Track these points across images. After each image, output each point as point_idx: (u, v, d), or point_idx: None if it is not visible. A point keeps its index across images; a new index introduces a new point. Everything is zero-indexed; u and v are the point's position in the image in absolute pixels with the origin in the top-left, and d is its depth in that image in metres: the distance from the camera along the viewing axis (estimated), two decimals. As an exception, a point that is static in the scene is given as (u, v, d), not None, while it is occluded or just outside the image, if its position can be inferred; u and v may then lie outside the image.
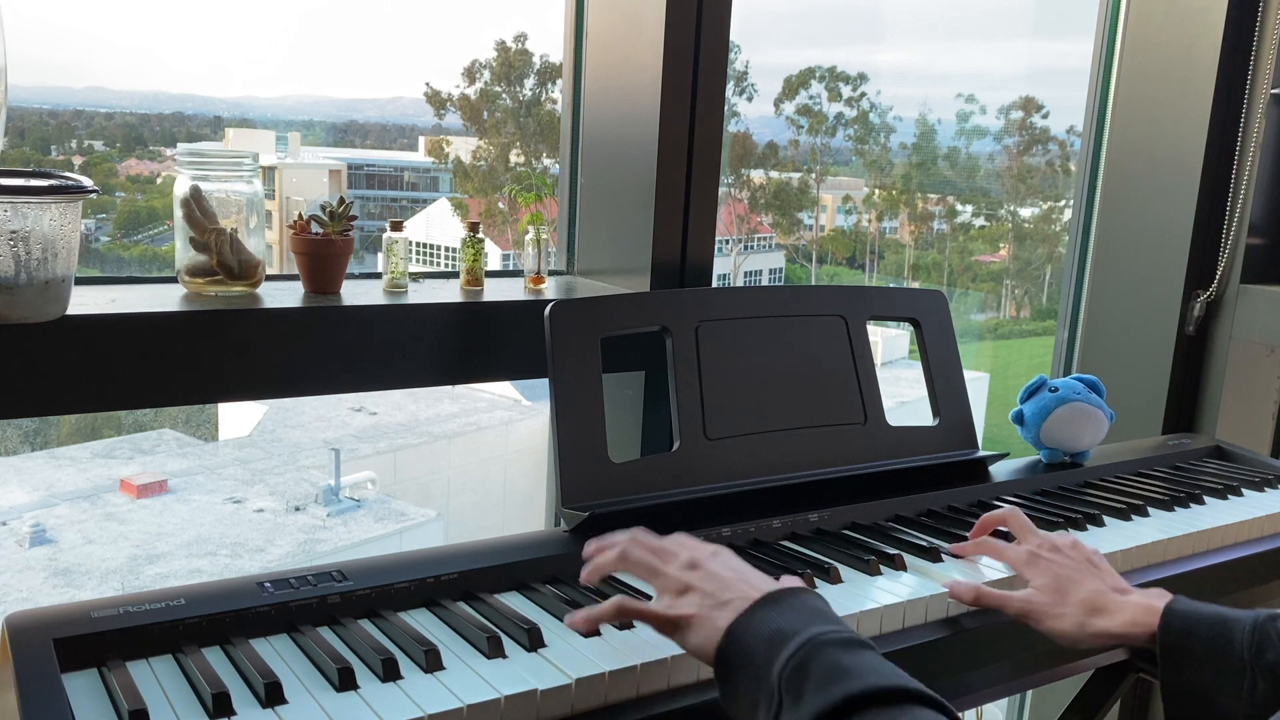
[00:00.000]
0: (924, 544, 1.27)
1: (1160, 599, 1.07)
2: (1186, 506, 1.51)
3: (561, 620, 1.03)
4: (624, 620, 0.99)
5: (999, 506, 1.46)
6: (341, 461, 5.20)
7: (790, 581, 0.94)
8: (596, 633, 0.98)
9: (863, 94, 5.73)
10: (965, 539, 1.28)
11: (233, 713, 0.84)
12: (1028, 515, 1.40)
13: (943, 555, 1.25)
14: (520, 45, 4.68)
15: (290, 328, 1.31)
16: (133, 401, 1.25)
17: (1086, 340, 2.28)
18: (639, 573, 0.98)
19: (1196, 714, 1.01)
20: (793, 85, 5.67)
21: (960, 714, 0.79)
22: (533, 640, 0.98)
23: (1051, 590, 1.11)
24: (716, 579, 0.92)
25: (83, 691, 0.86)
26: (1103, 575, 1.14)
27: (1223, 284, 2.10)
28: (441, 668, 0.93)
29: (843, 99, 5.69)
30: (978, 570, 1.23)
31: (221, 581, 1.01)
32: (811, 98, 5.69)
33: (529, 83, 4.74)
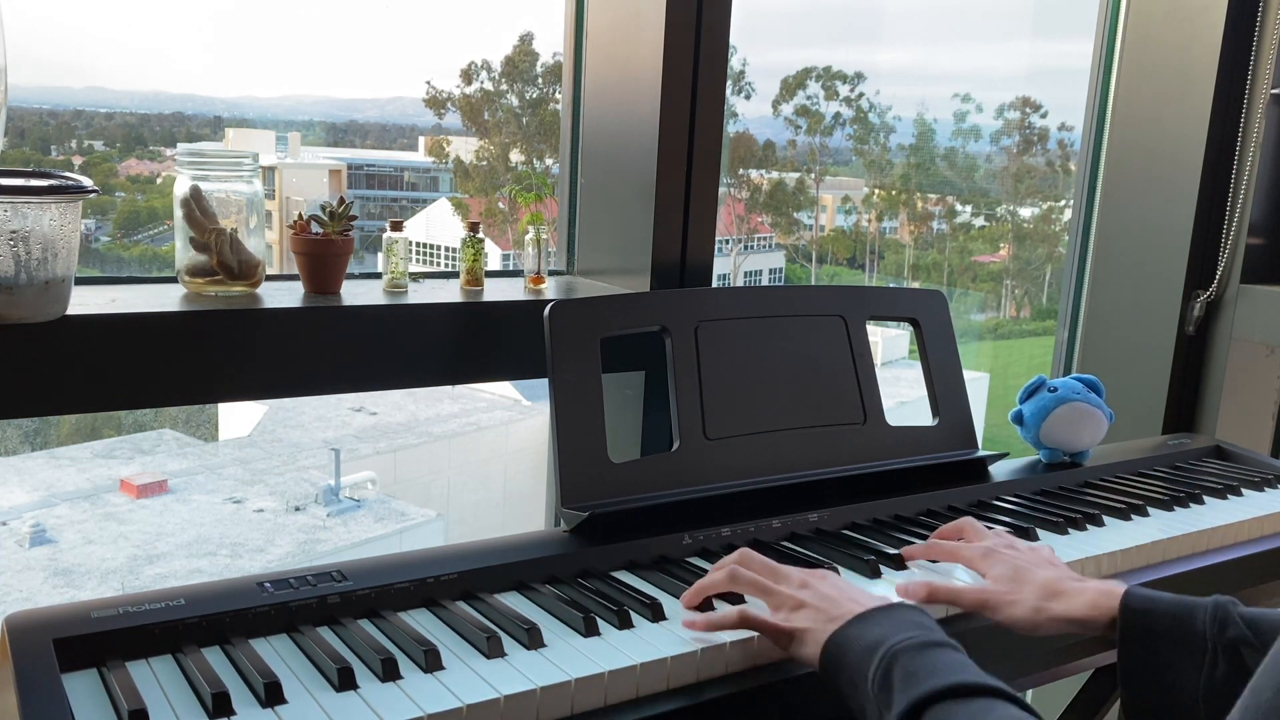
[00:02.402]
0: (924, 544, 1.26)
1: (1118, 586, 1.07)
2: (1186, 506, 1.51)
3: (561, 620, 1.03)
4: (745, 628, 1.02)
5: (998, 506, 1.46)
6: (341, 461, 5.20)
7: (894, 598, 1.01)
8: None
9: (861, 94, 5.73)
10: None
11: (232, 713, 0.84)
12: (1027, 515, 1.41)
13: (907, 564, 1.23)
14: (527, 45, 4.68)
15: (290, 328, 1.31)
16: (133, 401, 1.25)
17: (1086, 340, 2.28)
18: (750, 590, 1.04)
19: (1155, 696, 1.01)
20: (790, 86, 5.67)
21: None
22: (533, 640, 0.98)
23: (1007, 580, 1.12)
24: (827, 598, 1.00)
25: (83, 691, 0.87)
26: (1059, 568, 1.15)
27: (1223, 284, 2.10)
28: (441, 668, 0.93)
29: (840, 98, 5.69)
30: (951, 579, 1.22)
31: (221, 581, 1.02)
32: (809, 98, 5.69)
33: (537, 81, 4.74)
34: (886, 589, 1.15)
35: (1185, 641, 1.00)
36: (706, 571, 1.17)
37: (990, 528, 1.27)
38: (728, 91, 1.59)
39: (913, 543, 1.26)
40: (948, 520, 1.38)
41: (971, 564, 1.18)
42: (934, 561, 1.23)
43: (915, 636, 0.89)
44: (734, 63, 5.04)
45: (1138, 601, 1.04)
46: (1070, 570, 1.15)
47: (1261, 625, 0.98)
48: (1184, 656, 0.99)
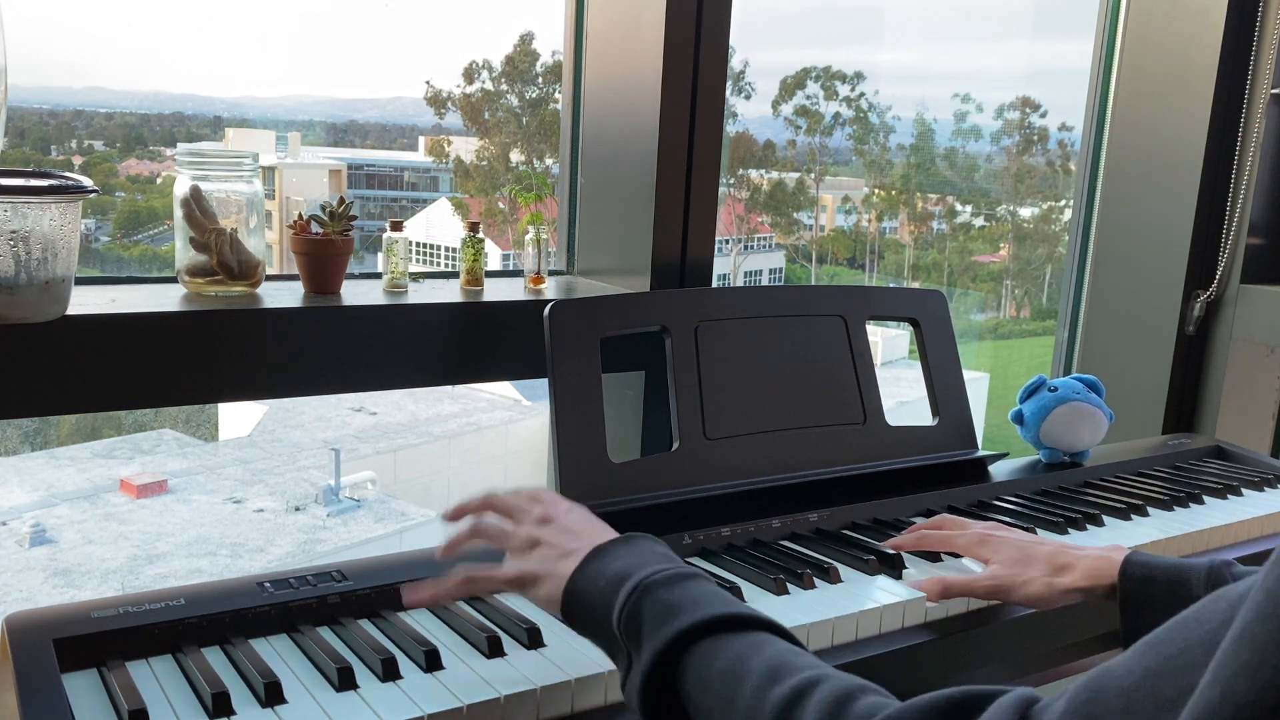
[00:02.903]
0: (924, 544, 1.27)
1: (1118, 552, 1.09)
2: (1186, 506, 1.51)
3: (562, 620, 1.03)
4: (473, 593, 0.93)
5: (998, 506, 1.46)
6: (341, 461, 5.20)
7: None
8: (444, 606, 0.94)
9: (861, 94, 5.73)
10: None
11: (232, 713, 0.84)
12: (1027, 515, 1.41)
13: (901, 559, 1.22)
14: (527, 45, 4.68)
15: (290, 328, 1.31)
16: (133, 401, 1.25)
17: (1086, 340, 2.28)
18: (494, 541, 0.95)
19: None
20: (789, 86, 5.67)
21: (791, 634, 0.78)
22: (533, 640, 0.98)
23: (1014, 561, 1.13)
24: (566, 532, 0.91)
25: (83, 691, 0.87)
26: (1053, 541, 1.17)
27: (1223, 284, 2.10)
28: (441, 668, 0.93)
29: (839, 98, 5.69)
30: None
31: (221, 581, 1.02)
32: (809, 98, 5.69)
33: (537, 81, 4.74)
34: (886, 586, 1.16)
35: (1181, 604, 1.01)
36: (707, 572, 1.17)
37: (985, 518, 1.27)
38: (728, 92, 1.59)
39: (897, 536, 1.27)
40: (948, 520, 1.38)
41: (969, 551, 1.19)
42: (933, 560, 1.23)
43: (665, 569, 0.82)
44: (734, 63, 5.04)
45: (1136, 569, 1.05)
46: (1065, 542, 1.17)
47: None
48: None
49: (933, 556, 1.24)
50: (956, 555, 1.23)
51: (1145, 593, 1.04)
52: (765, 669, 0.71)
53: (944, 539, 1.22)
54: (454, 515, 0.98)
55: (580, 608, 0.85)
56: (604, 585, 0.83)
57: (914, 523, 1.38)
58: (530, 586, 0.89)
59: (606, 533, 0.92)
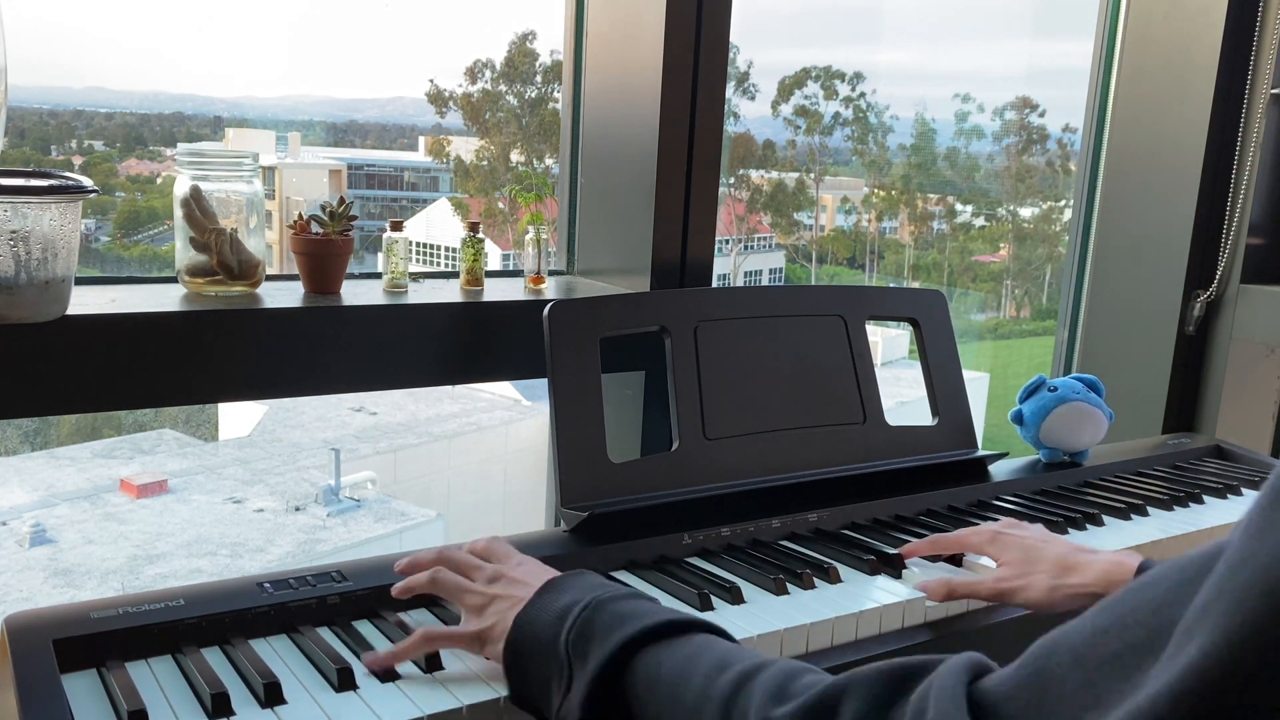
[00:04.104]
0: (924, 544, 1.26)
1: (1131, 558, 1.08)
2: (1186, 506, 1.51)
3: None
4: (432, 651, 0.92)
5: (998, 505, 1.46)
6: (341, 461, 5.19)
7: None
8: (396, 675, 0.91)
9: (860, 94, 5.73)
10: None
11: (232, 713, 0.84)
12: (1027, 515, 1.41)
13: (905, 563, 1.22)
14: (528, 44, 4.68)
15: (290, 328, 1.31)
16: (133, 401, 1.25)
17: (1086, 340, 2.28)
18: (449, 595, 0.96)
19: None
20: (788, 86, 5.67)
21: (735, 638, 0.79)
22: (532, 640, 0.98)
23: (1020, 561, 1.12)
24: (516, 583, 0.92)
25: (82, 692, 0.87)
26: (1068, 543, 1.16)
27: (1223, 284, 2.10)
28: (441, 668, 0.93)
29: (839, 98, 5.69)
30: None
31: (221, 582, 1.02)
32: (808, 98, 5.69)
33: (536, 80, 4.74)
34: (886, 586, 1.16)
35: None
36: (707, 572, 1.17)
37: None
38: (731, 92, 1.59)
39: (911, 542, 1.26)
40: (948, 520, 1.38)
41: (980, 550, 1.19)
42: (933, 561, 1.23)
43: (614, 589, 0.85)
44: (739, 63, 5.04)
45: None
46: (1080, 544, 1.15)
47: None
48: None
49: (932, 556, 1.24)
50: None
51: None
52: (714, 661, 0.73)
53: (958, 539, 1.21)
54: (406, 568, 1.00)
55: (527, 635, 0.85)
56: (553, 616, 0.84)
57: (917, 520, 1.38)
58: (485, 644, 0.90)
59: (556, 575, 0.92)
